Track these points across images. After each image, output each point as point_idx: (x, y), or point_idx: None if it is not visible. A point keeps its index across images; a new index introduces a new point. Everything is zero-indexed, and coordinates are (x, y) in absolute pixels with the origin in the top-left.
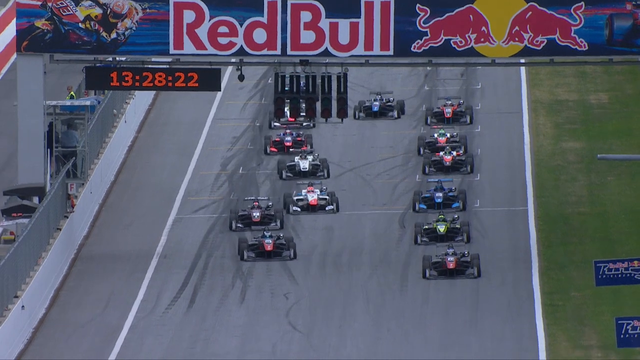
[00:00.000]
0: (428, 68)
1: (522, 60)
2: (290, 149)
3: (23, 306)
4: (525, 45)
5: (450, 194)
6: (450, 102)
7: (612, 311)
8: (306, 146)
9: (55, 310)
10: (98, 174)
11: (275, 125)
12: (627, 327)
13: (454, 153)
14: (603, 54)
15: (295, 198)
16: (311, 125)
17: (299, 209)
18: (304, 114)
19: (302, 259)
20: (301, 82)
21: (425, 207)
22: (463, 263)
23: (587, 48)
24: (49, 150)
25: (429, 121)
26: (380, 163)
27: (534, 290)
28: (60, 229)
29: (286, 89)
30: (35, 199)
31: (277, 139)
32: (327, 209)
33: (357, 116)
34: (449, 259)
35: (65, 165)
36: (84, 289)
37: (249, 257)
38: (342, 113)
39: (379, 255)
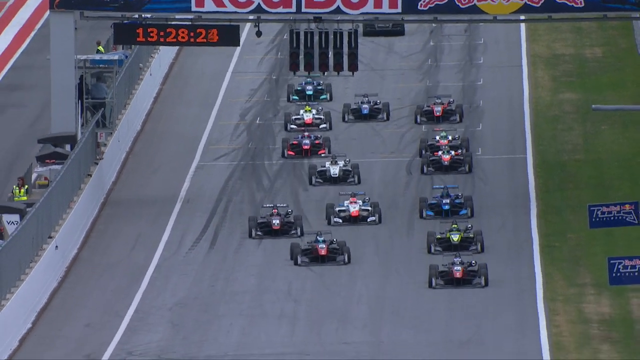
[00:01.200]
0: (433, 25)
1: (522, 17)
2: (309, 152)
3: (57, 246)
4: (525, 2)
5: (457, 200)
6: (440, 100)
7: (605, 252)
8: (324, 149)
9: (86, 250)
10: (125, 124)
11: (292, 128)
12: (619, 266)
13: (452, 152)
14: (598, 10)
15: (337, 209)
16: (327, 127)
17: (340, 220)
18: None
19: (315, 204)
20: (315, 38)
21: (432, 213)
22: (470, 272)
23: (583, 5)
24: (79, 101)
25: (418, 120)
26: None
27: (532, 232)
28: (90, 175)
29: (300, 44)
30: (67, 147)
31: (294, 142)
32: (369, 220)
33: (346, 119)
34: (455, 269)
35: (95, 116)
36: (112, 231)
37: (303, 262)
38: (353, 67)
39: (387, 201)
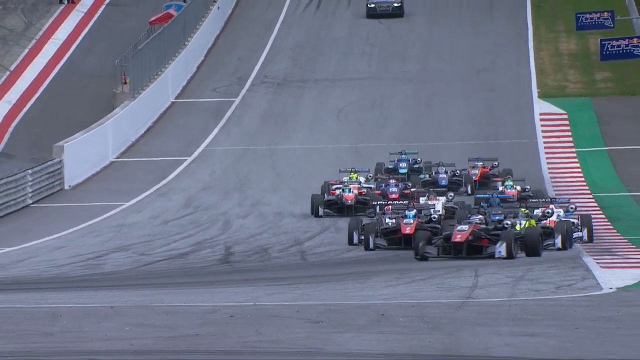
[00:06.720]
0: None
1: None
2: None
3: (218, 7)
4: None
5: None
6: (481, 163)
7: (575, 8)
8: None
9: (238, 9)
10: None
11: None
12: (583, 18)
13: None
14: None
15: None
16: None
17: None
18: None
19: None
20: None
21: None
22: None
23: None
24: None
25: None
26: None
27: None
28: None
29: None
30: None
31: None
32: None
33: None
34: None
35: None
36: None
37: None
38: None
39: None
